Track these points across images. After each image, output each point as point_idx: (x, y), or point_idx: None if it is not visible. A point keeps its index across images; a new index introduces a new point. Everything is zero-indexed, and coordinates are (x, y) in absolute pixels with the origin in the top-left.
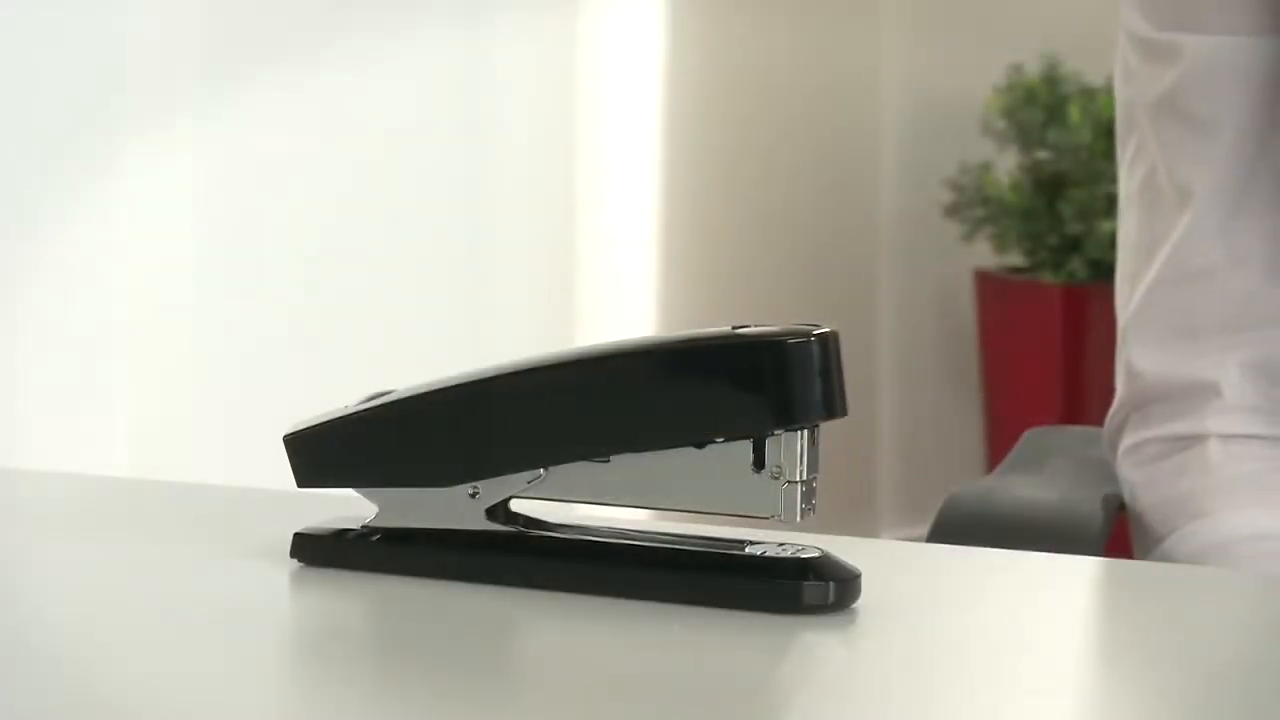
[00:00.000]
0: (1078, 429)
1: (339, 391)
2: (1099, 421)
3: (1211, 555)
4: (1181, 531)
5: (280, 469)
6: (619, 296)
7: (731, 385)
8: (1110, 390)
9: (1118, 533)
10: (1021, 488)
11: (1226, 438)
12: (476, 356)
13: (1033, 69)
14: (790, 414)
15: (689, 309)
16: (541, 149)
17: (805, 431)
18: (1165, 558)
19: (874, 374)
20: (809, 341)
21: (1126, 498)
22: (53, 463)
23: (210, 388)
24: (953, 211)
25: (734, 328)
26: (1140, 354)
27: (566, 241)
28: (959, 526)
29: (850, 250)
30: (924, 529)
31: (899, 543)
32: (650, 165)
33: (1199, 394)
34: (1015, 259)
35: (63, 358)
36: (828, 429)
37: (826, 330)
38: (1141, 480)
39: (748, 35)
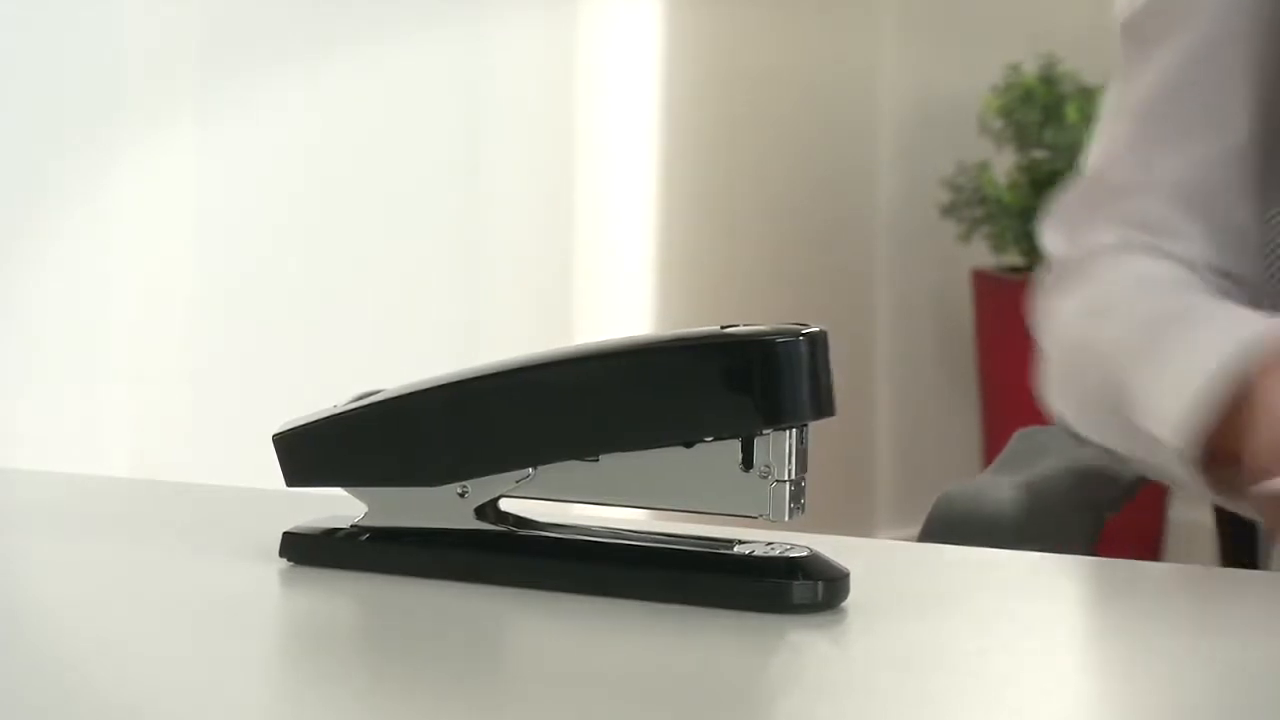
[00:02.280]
0: None
1: (337, 391)
2: None
3: None
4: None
5: (277, 468)
6: (616, 296)
7: (720, 385)
8: None
9: (1108, 533)
10: (1011, 487)
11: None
12: (475, 355)
13: (1030, 69)
14: (778, 413)
15: (686, 308)
16: (540, 148)
17: (794, 431)
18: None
19: (871, 373)
20: (797, 341)
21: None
22: (50, 463)
23: (208, 388)
24: (950, 211)
25: (723, 327)
26: (1051, 237)
27: (564, 240)
28: (949, 526)
29: (847, 249)
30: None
31: (888, 542)
32: (648, 165)
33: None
34: (1013, 258)
35: (61, 358)
36: (825, 428)
37: (815, 330)
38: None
39: (745, 35)
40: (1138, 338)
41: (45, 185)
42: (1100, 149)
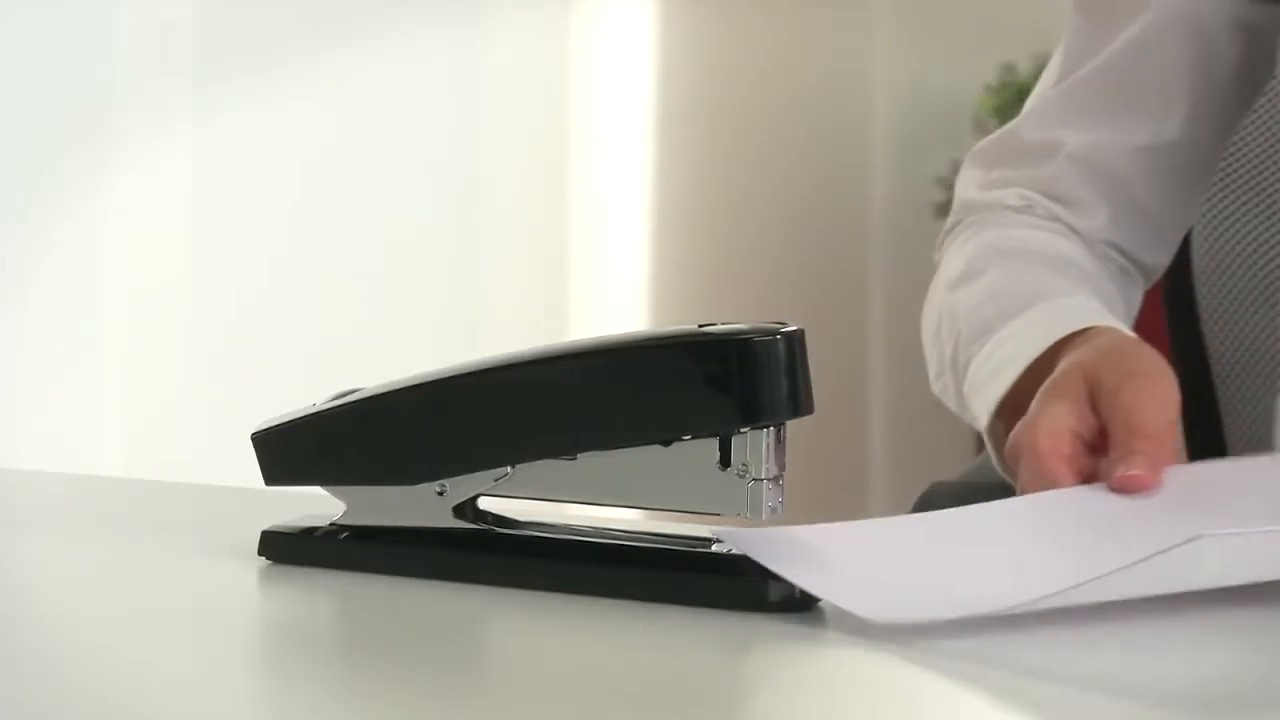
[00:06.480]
0: None
1: (332, 391)
2: None
3: None
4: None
5: None
6: (611, 296)
7: (698, 383)
8: None
9: None
10: (997, 485)
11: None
12: (471, 356)
13: (1024, 68)
14: (756, 412)
15: (681, 307)
16: (535, 148)
17: (771, 429)
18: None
19: (865, 372)
20: (775, 340)
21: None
22: (46, 463)
23: (204, 388)
24: (944, 210)
25: (700, 326)
26: (965, 177)
27: (559, 240)
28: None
29: (842, 248)
30: None
31: None
32: (642, 164)
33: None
34: None
35: (57, 359)
36: (819, 427)
37: (792, 329)
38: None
39: (739, 33)
40: (982, 313)
41: (42, 186)
42: (1029, 105)
